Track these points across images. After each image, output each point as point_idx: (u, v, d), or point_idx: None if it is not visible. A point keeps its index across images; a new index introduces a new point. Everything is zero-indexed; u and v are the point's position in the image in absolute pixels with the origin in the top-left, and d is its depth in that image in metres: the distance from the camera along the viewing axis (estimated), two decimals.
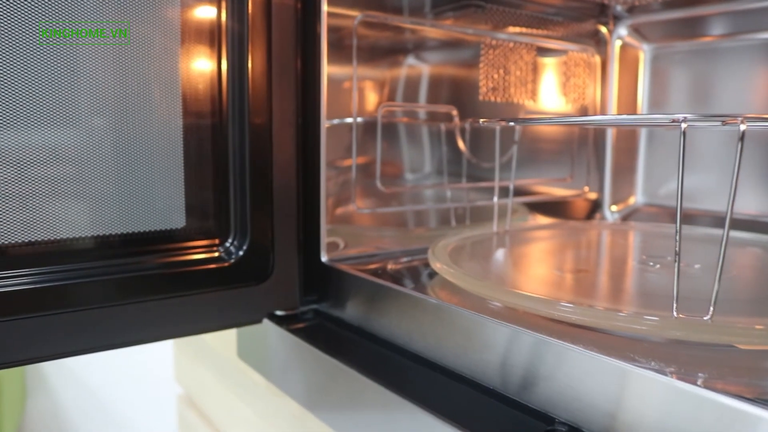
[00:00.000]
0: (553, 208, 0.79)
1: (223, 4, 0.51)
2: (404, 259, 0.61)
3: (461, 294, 0.47)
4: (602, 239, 0.66)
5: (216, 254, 0.53)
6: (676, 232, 0.35)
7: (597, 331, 0.37)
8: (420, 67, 0.64)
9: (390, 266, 0.58)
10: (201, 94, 0.51)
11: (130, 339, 0.49)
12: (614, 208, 0.81)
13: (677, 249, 0.35)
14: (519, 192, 0.70)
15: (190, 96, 0.51)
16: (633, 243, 0.62)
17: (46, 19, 0.44)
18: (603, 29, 0.79)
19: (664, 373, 0.31)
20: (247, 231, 0.54)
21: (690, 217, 0.77)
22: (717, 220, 0.71)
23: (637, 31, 0.79)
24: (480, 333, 0.41)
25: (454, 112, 0.66)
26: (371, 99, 0.61)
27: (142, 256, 0.50)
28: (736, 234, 0.62)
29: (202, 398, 0.91)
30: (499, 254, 0.57)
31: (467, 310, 0.41)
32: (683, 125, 0.35)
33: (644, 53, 0.79)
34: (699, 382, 0.30)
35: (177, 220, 0.52)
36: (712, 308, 0.34)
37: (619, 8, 0.77)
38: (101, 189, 0.48)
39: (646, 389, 0.32)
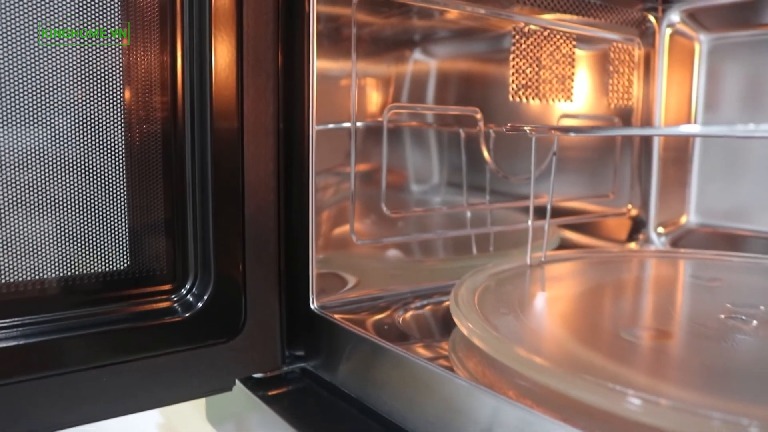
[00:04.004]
0: (587, 226, 0.66)
1: None
2: (417, 304, 0.48)
3: (496, 365, 0.34)
4: (662, 275, 0.53)
5: (167, 304, 0.40)
6: None
7: None
8: (433, 61, 0.51)
9: (398, 315, 0.45)
10: (148, 96, 0.38)
11: (47, 424, 0.36)
12: (661, 229, 0.68)
13: None
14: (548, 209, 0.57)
15: (134, 98, 0.38)
16: (705, 283, 0.49)
17: None
18: (650, 16, 0.66)
19: None
20: (210, 272, 0.41)
21: (739, 240, 0.65)
22: None
23: (692, 17, 0.66)
24: None
25: (479, 116, 0.53)
26: (374, 99, 0.48)
27: (65, 309, 0.37)
28: None
29: (182, 428, 0.79)
30: (541, 302, 0.44)
31: (529, 408, 0.29)
32: None
33: (700, 45, 0.66)
34: None
35: (117, 259, 0.39)
36: None
37: None
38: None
39: None
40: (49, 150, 0.36)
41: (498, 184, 0.57)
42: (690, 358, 0.35)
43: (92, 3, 0.36)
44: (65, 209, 0.37)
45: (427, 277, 0.52)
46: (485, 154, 0.54)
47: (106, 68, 0.37)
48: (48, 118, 0.35)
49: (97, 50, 0.36)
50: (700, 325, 0.39)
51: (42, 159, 0.36)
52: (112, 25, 0.37)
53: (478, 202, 0.55)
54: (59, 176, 0.36)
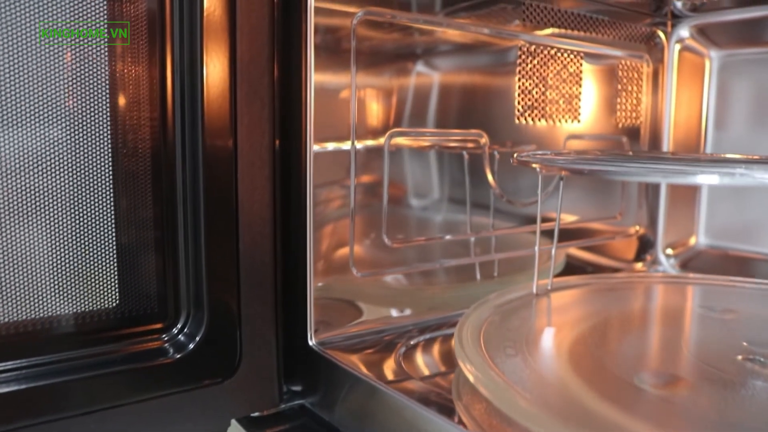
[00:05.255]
0: (594, 245, 0.64)
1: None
2: (420, 338, 0.46)
3: (502, 414, 0.32)
4: (673, 305, 0.51)
5: (158, 344, 0.38)
6: None
7: None
8: (437, 80, 0.49)
9: (400, 351, 0.43)
10: (138, 130, 0.36)
11: None
12: (670, 251, 0.66)
13: None
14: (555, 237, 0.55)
15: (123, 134, 0.36)
16: (718, 315, 0.47)
17: None
18: (659, 31, 0.64)
19: None
20: (203, 311, 0.39)
21: (750, 263, 0.63)
22: None
23: (702, 33, 0.64)
24: None
25: (483, 140, 0.51)
26: (374, 119, 0.46)
27: (47, 353, 0.35)
28: None
29: None
30: (548, 339, 0.42)
31: None
32: None
33: (711, 61, 0.64)
34: None
35: (105, 297, 0.37)
36: None
37: (679, 5, 0.63)
38: None
39: None
40: (37, 185, 0.34)
41: (503, 204, 0.55)
42: (707, 410, 0.33)
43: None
44: (49, 245, 0.35)
45: (431, 305, 0.51)
46: (490, 178, 0.52)
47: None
48: (36, 160, 0.34)
49: (86, 70, 0.35)
50: (716, 369, 0.37)
51: (29, 195, 0.34)
52: (98, 51, 0.35)
53: (483, 226, 0.54)
54: (45, 210, 0.35)
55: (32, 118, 0.34)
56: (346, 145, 0.44)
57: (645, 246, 0.67)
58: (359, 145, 0.45)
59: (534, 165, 0.35)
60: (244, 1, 0.37)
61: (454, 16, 0.49)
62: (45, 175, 0.34)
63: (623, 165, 0.27)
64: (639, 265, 0.67)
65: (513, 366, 0.37)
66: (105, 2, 0.34)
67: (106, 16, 0.35)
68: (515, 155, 0.39)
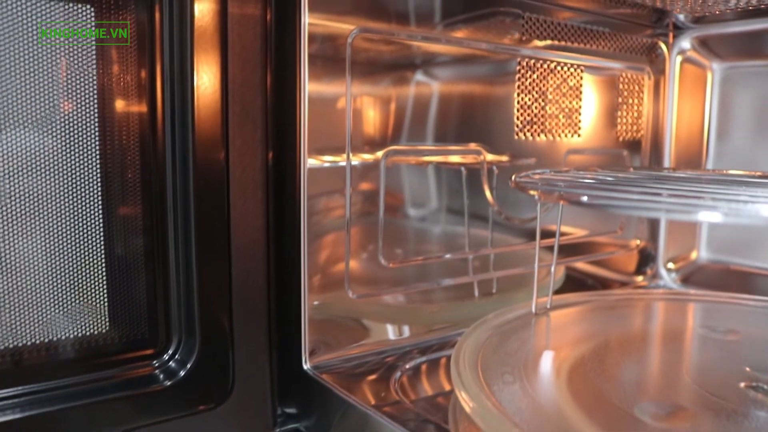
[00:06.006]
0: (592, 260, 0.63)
1: (157, 16, 0.35)
2: (417, 360, 0.45)
3: None
4: (674, 326, 0.50)
5: (149, 371, 0.38)
6: None
7: None
8: (434, 95, 0.49)
9: (396, 376, 0.42)
10: (128, 152, 0.35)
11: None
12: (671, 265, 0.66)
13: None
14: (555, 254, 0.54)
15: (113, 156, 0.35)
16: (720, 336, 0.47)
17: None
18: (661, 43, 0.63)
19: None
20: (195, 335, 0.38)
21: (752, 278, 0.62)
22: None
23: (704, 45, 0.63)
24: None
25: (482, 157, 0.50)
26: (370, 137, 0.45)
27: (29, 382, 0.35)
28: None
29: None
30: (547, 365, 0.41)
31: None
32: None
33: (713, 73, 0.63)
34: None
35: (94, 322, 0.37)
36: None
37: (682, 17, 0.62)
38: None
39: None
40: (27, 208, 0.33)
41: (497, 217, 0.54)
42: None
43: (71, 48, 0.33)
44: (37, 268, 0.34)
45: (429, 323, 0.50)
46: (488, 194, 0.52)
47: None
48: (25, 185, 0.33)
49: (75, 86, 0.34)
50: (718, 398, 0.36)
51: (18, 217, 0.33)
52: (87, 68, 0.34)
53: (482, 239, 0.53)
54: (33, 231, 0.34)
55: (15, 153, 0.33)
56: (341, 162, 0.44)
57: (646, 260, 0.67)
58: (355, 161, 0.45)
59: (532, 192, 0.34)
60: (235, 22, 0.36)
61: (452, 31, 0.48)
62: (34, 200, 0.33)
63: (624, 199, 0.27)
64: (640, 279, 0.67)
65: (511, 394, 0.36)
66: (94, 20, 0.34)
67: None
68: (514, 178, 0.38)
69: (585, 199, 0.29)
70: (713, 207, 0.25)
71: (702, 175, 0.48)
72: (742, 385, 0.38)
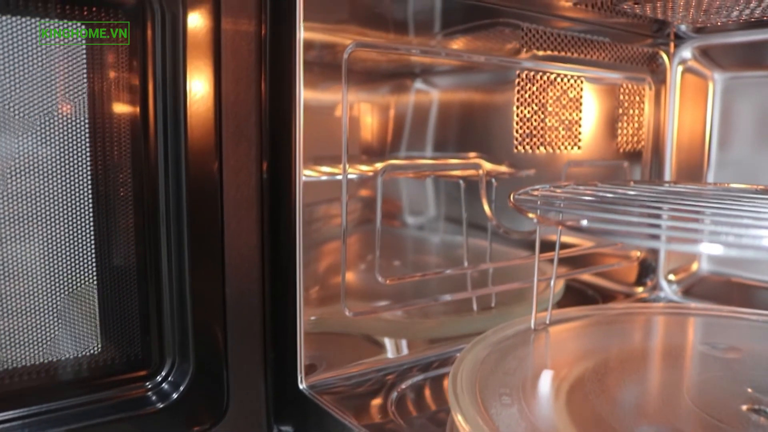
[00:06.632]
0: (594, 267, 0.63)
1: (149, 34, 0.34)
2: (416, 379, 0.45)
3: None
4: (674, 342, 0.50)
5: (142, 392, 0.37)
6: None
7: None
8: (433, 109, 0.48)
9: (393, 396, 0.42)
10: (119, 174, 0.35)
11: None
12: (672, 276, 0.65)
13: None
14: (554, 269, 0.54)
15: (101, 163, 0.35)
16: (721, 354, 0.46)
17: None
18: (662, 52, 0.62)
19: None
20: (188, 356, 0.38)
21: (753, 291, 0.62)
22: None
23: (705, 55, 0.62)
24: None
25: (480, 171, 0.50)
26: (368, 152, 0.45)
27: (28, 405, 0.34)
28: None
29: None
30: (545, 385, 0.41)
31: None
32: None
33: (714, 83, 0.62)
34: None
35: (86, 343, 0.36)
36: None
37: (683, 27, 0.61)
38: None
39: None
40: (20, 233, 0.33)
41: (496, 229, 0.53)
42: None
43: (61, 62, 0.33)
44: (27, 289, 0.34)
45: (428, 338, 0.49)
46: (486, 209, 0.51)
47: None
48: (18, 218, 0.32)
49: (68, 103, 0.33)
50: (719, 422, 0.36)
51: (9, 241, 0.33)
52: (79, 84, 0.34)
53: (480, 251, 0.52)
54: (23, 251, 0.33)
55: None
56: (338, 176, 0.43)
57: (646, 271, 0.66)
58: (352, 174, 0.44)
59: (531, 215, 0.33)
60: (229, 38, 0.35)
61: (451, 43, 0.47)
62: (26, 223, 0.33)
63: (624, 230, 0.26)
64: (640, 290, 0.66)
65: (509, 418, 0.36)
66: (84, 42, 0.33)
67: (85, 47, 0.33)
68: (512, 197, 0.37)
69: (584, 223, 0.29)
70: (715, 238, 0.25)
71: (703, 190, 0.47)
72: (744, 408, 0.37)
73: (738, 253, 0.23)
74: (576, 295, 0.61)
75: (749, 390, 0.40)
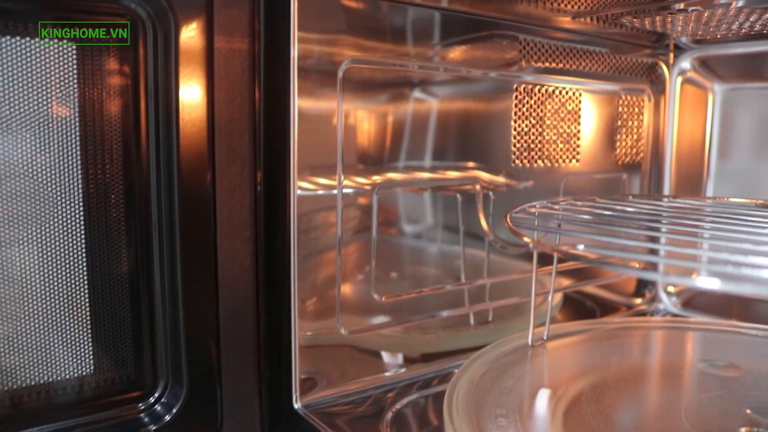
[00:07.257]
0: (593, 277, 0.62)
1: (141, 53, 0.34)
2: (414, 396, 0.44)
3: None
4: (673, 360, 0.49)
5: (135, 414, 0.37)
6: None
7: None
8: (430, 120, 0.48)
9: (389, 416, 0.42)
10: (109, 194, 0.34)
11: None
12: (671, 289, 0.65)
13: None
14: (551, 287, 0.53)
15: (93, 182, 0.34)
16: (720, 372, 0.46)
17: None
18: (661, 63, 0.62)
19: None
20: (182, 377, 0.37)
21: (753, 303, 0.61)
22: None
23: (705, 66, 0.62)
24: None
25: (478, 186, 0.49)
26: (362, 163, 0.45)
27: (19, 428, 0.34)
28: None
29: None
30: (542, 405, 0.40)
31: None
32: None
33: (714, 94, 0.62)
34: None
35: (78, 364, 0.36)
36: None
37: (683, 38, 0.61)
38: None
39: None
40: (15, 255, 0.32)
41: (494, 243, 0.53)
42: None
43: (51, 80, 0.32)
44: (19, 309, 0.34)
45: (425, 353, 0.49)
46: (483, 224, 0.51)
47: (66, 140, 0.33)
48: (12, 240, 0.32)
49: (60, 120, 0.33)
50: None
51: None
52: (69, 101, 0.33)
53: (478, 262, 0.52)
54: (17, 271, 0.33)
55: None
56: (333, 191, 0.43)
57: (645, 282, 0.66)
58: (347, 189, 0.44)
59: (527, 239, 0.33)
60: (222, 57, 0.35)
61: (448, 56, 0.47)
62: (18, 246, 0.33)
63: (620, 251, 0.26)
64: (638, 302, 0.66)
65: None
66: (75, 62, 0.33)
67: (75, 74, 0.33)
68: (508, 217, 0.37)
69: (581, 248, 0.28)
70: (713, 268, 0.24)
71: (702, 205, 0.47)
72: (743, 430, 0.37)
73: (735, 289, 0.23)
74: (574, 306, 0.61)
75: (748, 411, 0.39)
